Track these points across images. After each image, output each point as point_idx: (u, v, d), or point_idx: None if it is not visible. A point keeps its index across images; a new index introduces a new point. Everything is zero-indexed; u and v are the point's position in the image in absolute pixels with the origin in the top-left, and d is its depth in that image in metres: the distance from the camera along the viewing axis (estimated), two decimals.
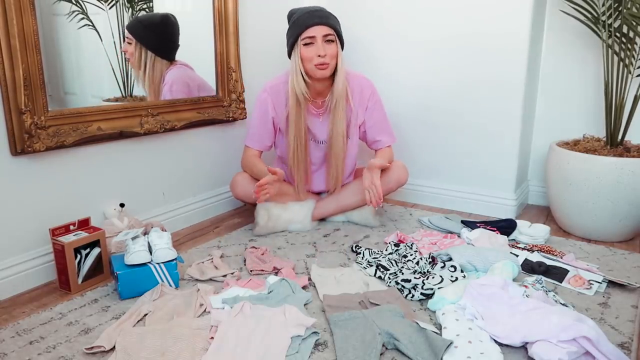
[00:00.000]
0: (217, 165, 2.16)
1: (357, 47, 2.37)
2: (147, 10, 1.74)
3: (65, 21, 1.51)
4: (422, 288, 1.36)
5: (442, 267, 1.47)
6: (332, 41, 1.76)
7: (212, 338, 1.15)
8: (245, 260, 1.64)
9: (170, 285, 1.43)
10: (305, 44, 1.75)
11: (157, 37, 1.78)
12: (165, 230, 1.64)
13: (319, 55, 1.73)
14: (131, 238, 1.45)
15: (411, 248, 1.64)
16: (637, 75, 1.93)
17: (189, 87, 1.93)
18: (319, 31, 1.73)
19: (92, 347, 1.13)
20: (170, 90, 1.84)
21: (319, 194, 2.07)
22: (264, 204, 1.91)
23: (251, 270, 1.56)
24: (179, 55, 1.87)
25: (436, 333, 1.17)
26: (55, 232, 1.45)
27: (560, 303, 1.31)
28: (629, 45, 1.83)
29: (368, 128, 1.96)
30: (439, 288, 1.36)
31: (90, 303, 1.37)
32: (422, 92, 2.28)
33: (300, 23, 1.75)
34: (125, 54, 1.68)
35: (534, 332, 1.11)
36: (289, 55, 1.82)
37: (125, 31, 1.66)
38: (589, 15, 1.90)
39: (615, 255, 1.70)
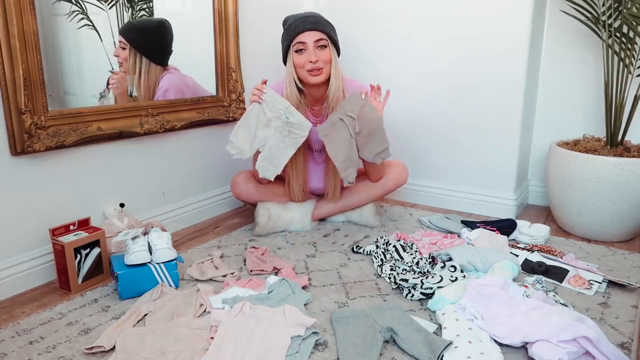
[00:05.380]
0: (217, 165, 2.16)
1: (357, 48, 2.37)
2: (147, 10, 1.74)
3: (65, 21, 1.51)
4: (422, 287, 1.36)
5: (442, 267, 1.47)
6: (325, 46, 1.74)
7: (212, 338, 1.15)
8: (245, 260, 1.64)
9: (170, 285, 1.43)
10: (297, 51, 1.73)
11: (153, 42, 1.75)
12: (165, 230, 1.64)
13: (311, 61, 1.71)
14: (131, 238, 1.45)
15: (411, 248, 1.64)
16: (637, 75, 1.93)
17: (183, 93, 1.91)
18: (309, 37, 1.71)
19: (92, 347, 1.13)
20: (164, 95, 1.83)
21: (318, 195, 2.06)
22: (264, 204, 1.91)
23: (251, 270, 1.56)
24: (180, 56, 1.87)
25: (436, 334, 1.17)
26: (55, 232, 1.45)
27: (560, 303, 1.31)
28: (629, 45, 1.83)
29: None
30: (438, 287, 1.36)
31: (90, 303, 1.37)
32: (421, 93, 2.28)
33: (291, 29, 1.73)
34: (117, 58, 1.65)
35: (534, 332, 1.12)
36: (284, 62, 1.81)
37: (119, 36, 1.63)
38: (589, 15, 1.90)
39: (615, 255, 1.70)
